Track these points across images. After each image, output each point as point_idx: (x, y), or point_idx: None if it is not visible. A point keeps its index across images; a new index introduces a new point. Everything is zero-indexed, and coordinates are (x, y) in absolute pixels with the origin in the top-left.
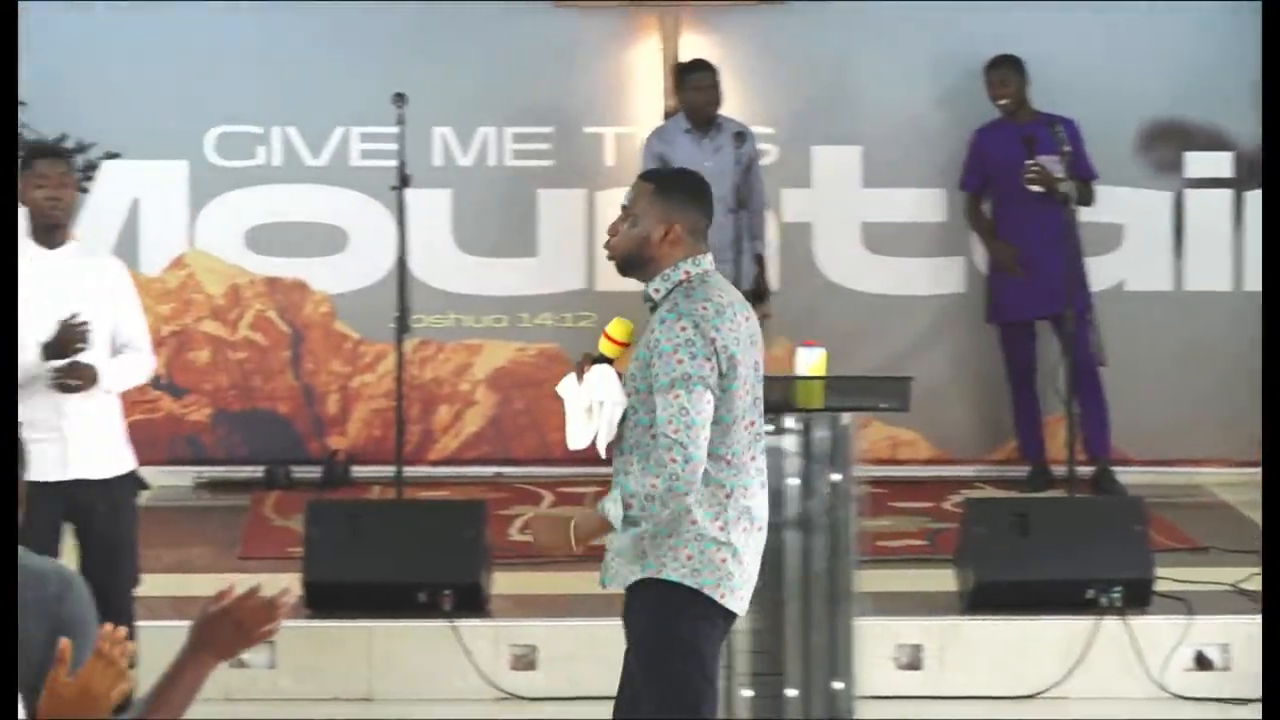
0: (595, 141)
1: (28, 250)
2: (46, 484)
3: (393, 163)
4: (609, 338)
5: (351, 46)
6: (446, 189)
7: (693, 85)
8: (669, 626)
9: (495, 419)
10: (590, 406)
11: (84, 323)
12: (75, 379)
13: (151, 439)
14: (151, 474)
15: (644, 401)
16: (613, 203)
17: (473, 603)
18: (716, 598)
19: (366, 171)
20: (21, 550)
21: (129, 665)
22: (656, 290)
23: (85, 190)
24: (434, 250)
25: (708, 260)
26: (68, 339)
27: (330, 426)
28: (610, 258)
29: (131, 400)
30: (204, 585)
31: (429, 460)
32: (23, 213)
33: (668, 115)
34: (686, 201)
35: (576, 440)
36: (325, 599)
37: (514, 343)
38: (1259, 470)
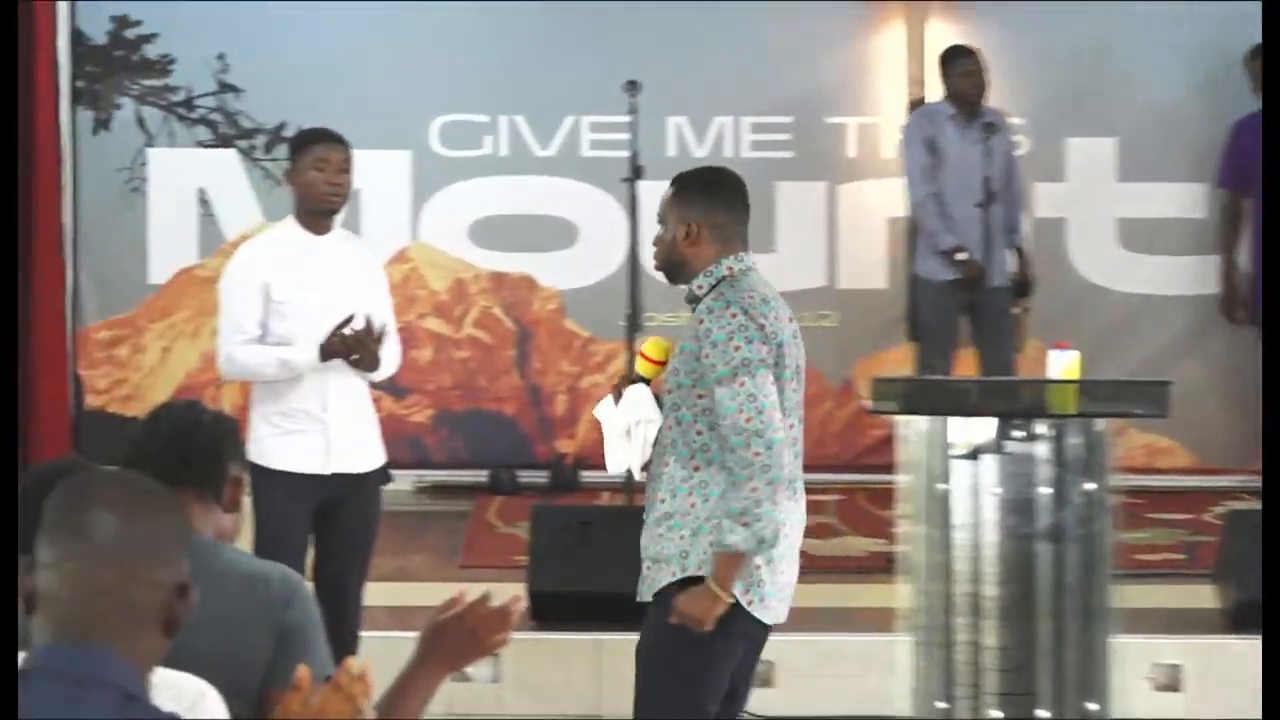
0: (837, 132)
1: (293, 235)
2: (305, 475)
3: (625, 153)
4: (645, 357)
5: (582, 32)
6: None
7: (960, 71)
8: (689, 635)
9: None
10: (629, 429)
11: (354, 331)
12: (365, 365)
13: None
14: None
15: (685, 397)
16: (855, 196)
17: None
18: (745, 604)
19: (597, 162)
20: (241, 552)
21: (366, 698)
22: (700, 286)
23: None
24: None
25: (750, 258)
26: (343, 347)
27: (558, 429)
28: (656, 267)
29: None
30: (424, 595)
31: None
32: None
33: (912, 106)
34: (707, 200)
35: (616, 464)
36: (551, 610)
37: None
38: None
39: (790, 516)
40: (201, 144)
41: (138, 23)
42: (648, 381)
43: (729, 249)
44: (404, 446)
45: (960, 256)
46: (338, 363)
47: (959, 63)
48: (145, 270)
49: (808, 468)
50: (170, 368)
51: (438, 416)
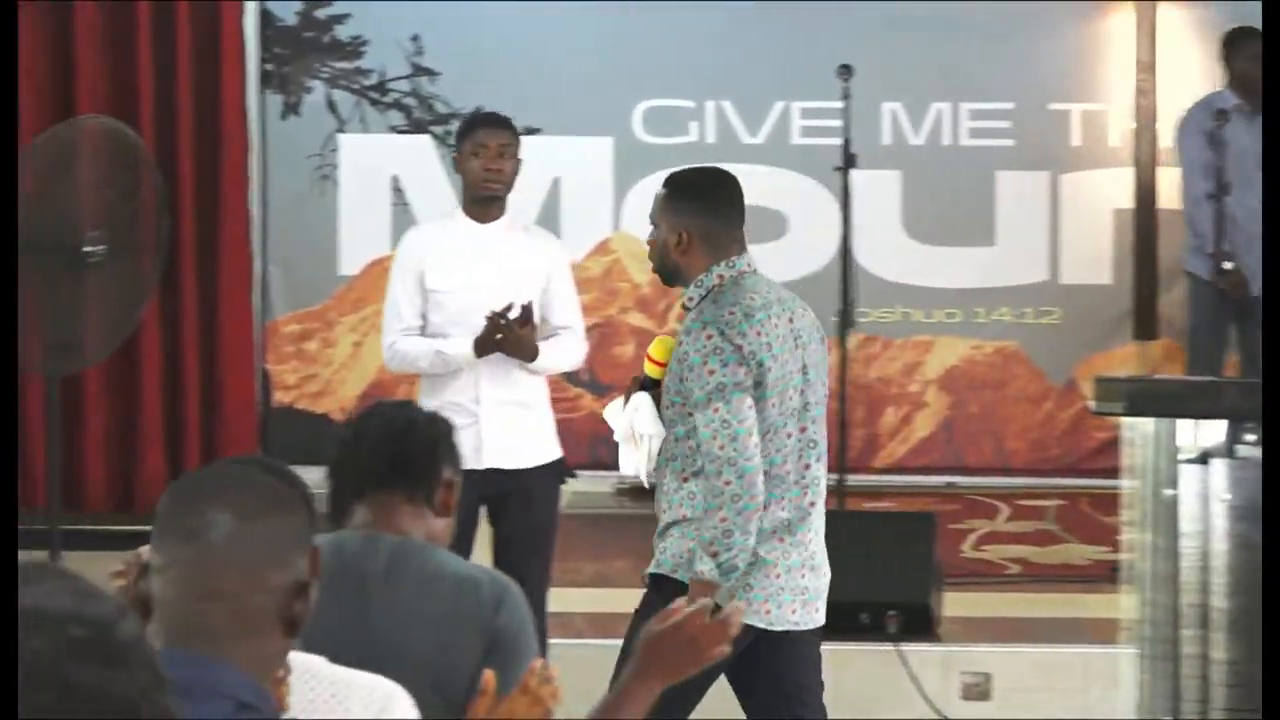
0: (1060, 120)
1: (457, 223)
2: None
3: (837, 141)
4: (650, 359)
5: (794, 13)
6: (895, 170)
7: (1249, 55)
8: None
9: (947, 423)
10: (633, 435)
11: (506, 319)
12: (520, 354)
13: (572, 440)
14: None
15: (679, 413)
16: (1079, 186)
17: (920, 625)
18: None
19: (808, 150)
20: (453, 556)
21: (554, 700)
22: (690, 298)
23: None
24: (881, 237)
25: (744, 261)
26: (492, 338)
27: None
28: (653, 270)
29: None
30: (625, 601)
31: (874, 467)
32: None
33: (1140, 94)
34: (698, 206)
35: (625, 466)
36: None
37: (969, 339)
38: None
39: (793, 524)
40: (395, 129)
41: (329, 3)
42: (657, 384)
43: (722, 255)
44: (605, 446)
45: (1226, 266)
46: (495, 355)
47: (1247, 46)
48: (335, 261)
49: (1025, 471)
50: (362, 362)
51: None
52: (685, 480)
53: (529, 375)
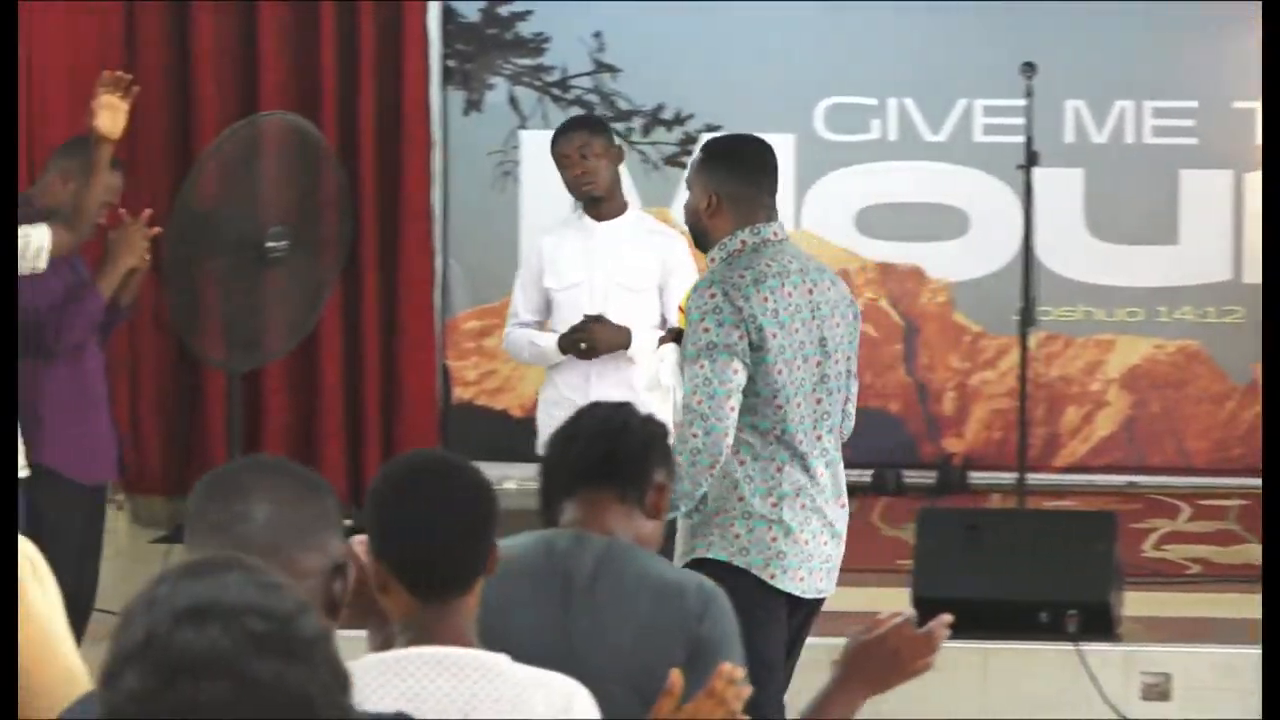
0: (1245, 118)
1: (577, 221)
2: None
3: (1019, 139)
4: (682, 310)
5: (977, 10)
6: (1078, 168)
7: None
8: None
9: (1129, 422)
10: (659, 384)
11: (590, 337)
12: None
13: None
14: None
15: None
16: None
17: (1100, 624)
18: (765, 578)
19: (990, 148)
20: (660, 560)
21: (738, 703)
22: (712, 259)
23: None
24: (1063, 235)
25: (770, 229)
26: (570, 341)
27: (946, 428)
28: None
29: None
30: None
31: (1054, 467)
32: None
33: None
34: (729, 171)
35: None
36: (936, 616)
37: (1151, 339)
38: None
39: (808, 490)
40: None
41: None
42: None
43: (749, 220)
44: None
45: None
46: (608, 356)
47: None
48: (517, 257)
49: (1207, 471)
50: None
51: None
52: None
53: (640, 371)
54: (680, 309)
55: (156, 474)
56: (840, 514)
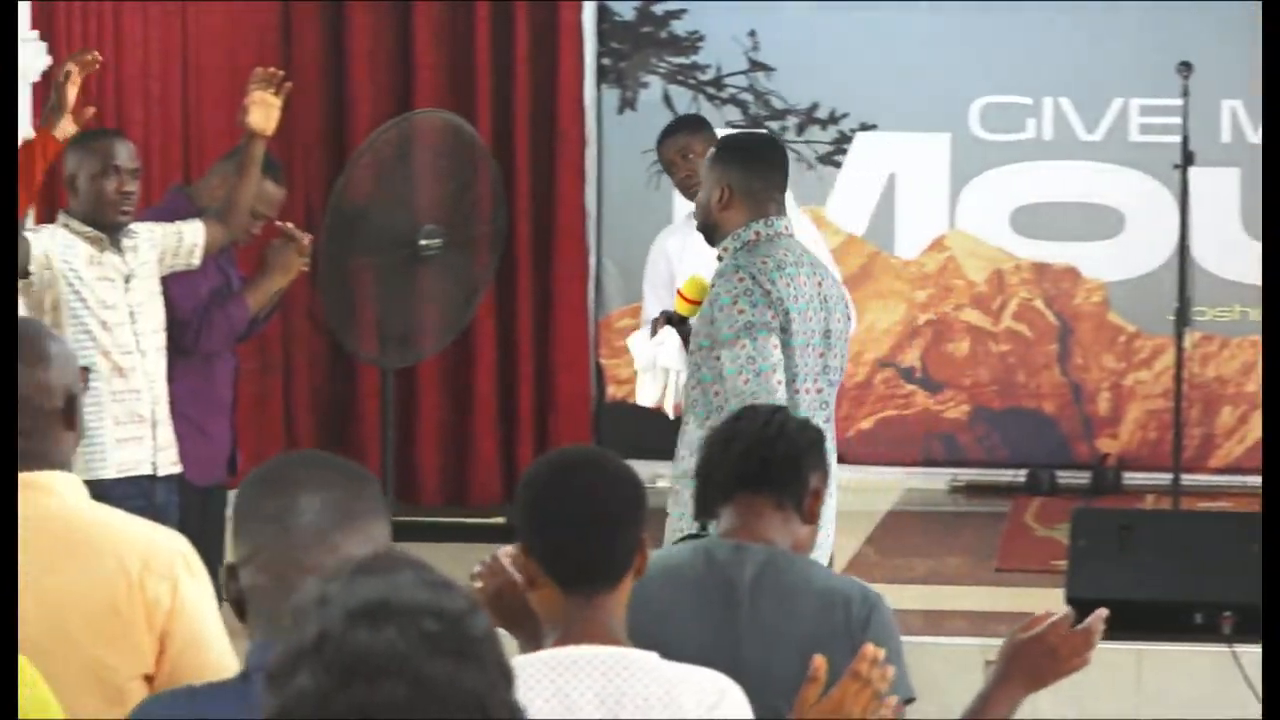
0: None
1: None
2: None
3: (1175, 138)
4: (682, 295)
5: (1133, 11)
6: (1234, 168)
7: None
8: None
9: None
10: (655, 365)
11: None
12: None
13: (904, 437)
14: (903, 475)
15: (705, 358)
16: None
17: (1256, 627)
18: None
19: (1146, 147)
20: (819, 566)
21: (884, 685)
22: (725, 249)
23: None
24: (1219, 235)
25: (782, 222)
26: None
27: (1100, 428)
28: (697, 228)
29: (882, 396)
30: (958, 599)
31: (1209, 468)
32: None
33: None
34: (743, 165)
35: (643, 397)
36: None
37: None
38: None
39: None
40: (731, 124)
41: None
42: (685, 320)
43: (761, 213)
44: (939, 443)
45: None
46: None
47: None
48: None
49: None
50: None
51: (974, 413)
52: (705, 425)
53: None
54: (680, 294)
55: None
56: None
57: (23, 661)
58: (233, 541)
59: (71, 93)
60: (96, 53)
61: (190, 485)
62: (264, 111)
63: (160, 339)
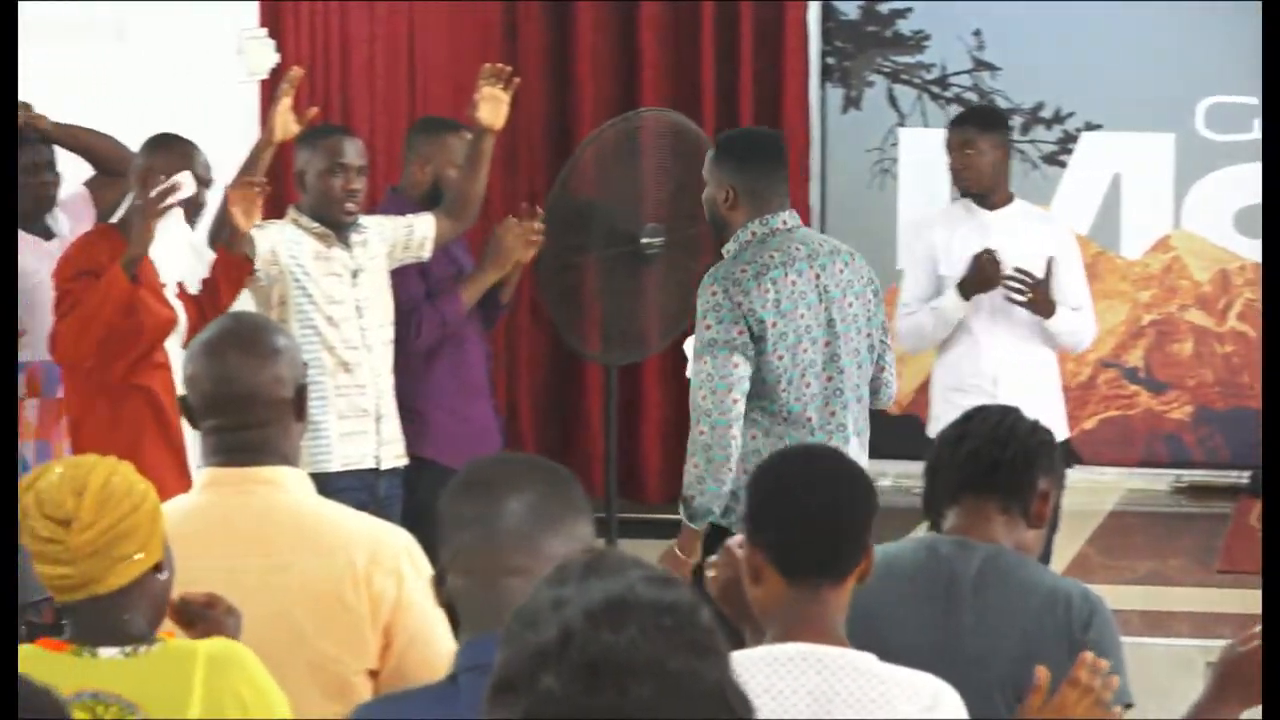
0: None
1: (969, 211)
2: None
3: None
4: None
5: None
6: None
7: None
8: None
9: None
10: None
11: (990, 267)
12: (1031, 300)
13: (1126, 437)
14: (1126, 476)
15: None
16: None
17: None
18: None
19: None
20: (1042, 568)
21: (1108, 693)
22: (727, 251)
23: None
24: None
25: (779, 218)
26: (985, 276)
27: None
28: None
29: (1105, 396)
30: (1179, 600)
31: None
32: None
33: None
34: (742, 164)
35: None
36: None
37: None
38: None
39: None
40: None
41: None
42: None
43: (762, 211)
44: (1161, 444)
45: None
46: (1009, 338)
47: None
48: (894, 255)
49: None
50: (920, 358)
51: (1198, 414)
52: (696, 428)
53: (1040, 359)
54: None
55: None
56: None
57: (247, 652)
58: (441, 541)
59: (286, 102)
60: (299, 69)
61: (451, 472)
62: (493, 106)
63: (387, 333)
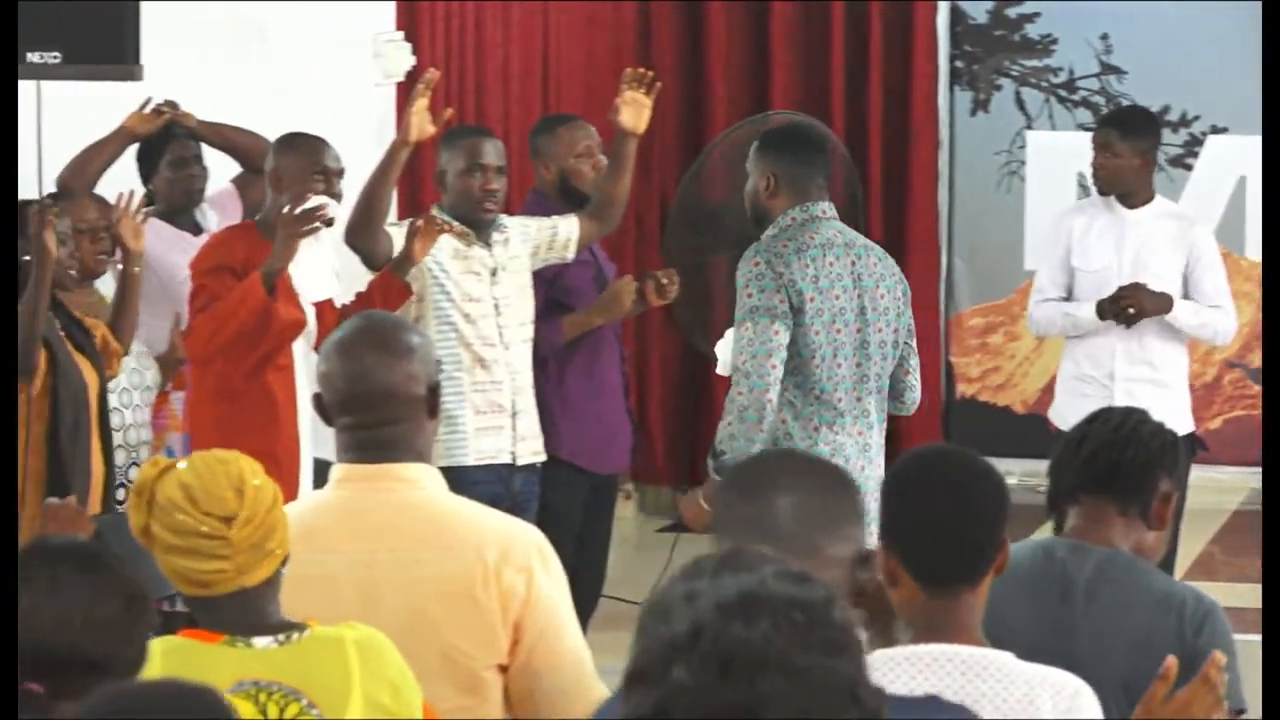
0: None
1: (1109, 207)
2: None
3: None
4: None
5: None
6: None
7: None
8: None
9: None
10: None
11: (1136, 300)
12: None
13: (1250, 437)
14: (1250, 475)
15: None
16: None
17: None
18: None
19: None
20: (1158, 573)
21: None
22: (766, 235)
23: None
24: None
25: (819, 208)
26: (1118, 310)
27: None
28: (749, 218)
29: (1230, 396)
30: None
31: None
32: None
33: None
34: (781, 154)
35: (721, 368)
36: None
37: None
38: None
39: (843, 451)
40: (1082, 127)
41: (1019, 2)
42: None
43: (802, 199)
44: None
45: None
46: (1134, 333)
47: None
48: (1021, 256)
49: None
50: (1045, 357)
51: None
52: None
53: (1166, 355)
54: None
55: (663, 466)
56: (876, 473)
57: (386, 639)
58: (714, 534)
59: (421, 103)
60: (436, 71)
61: (584, 474)
62: (635, 111)
63: (526, 331)
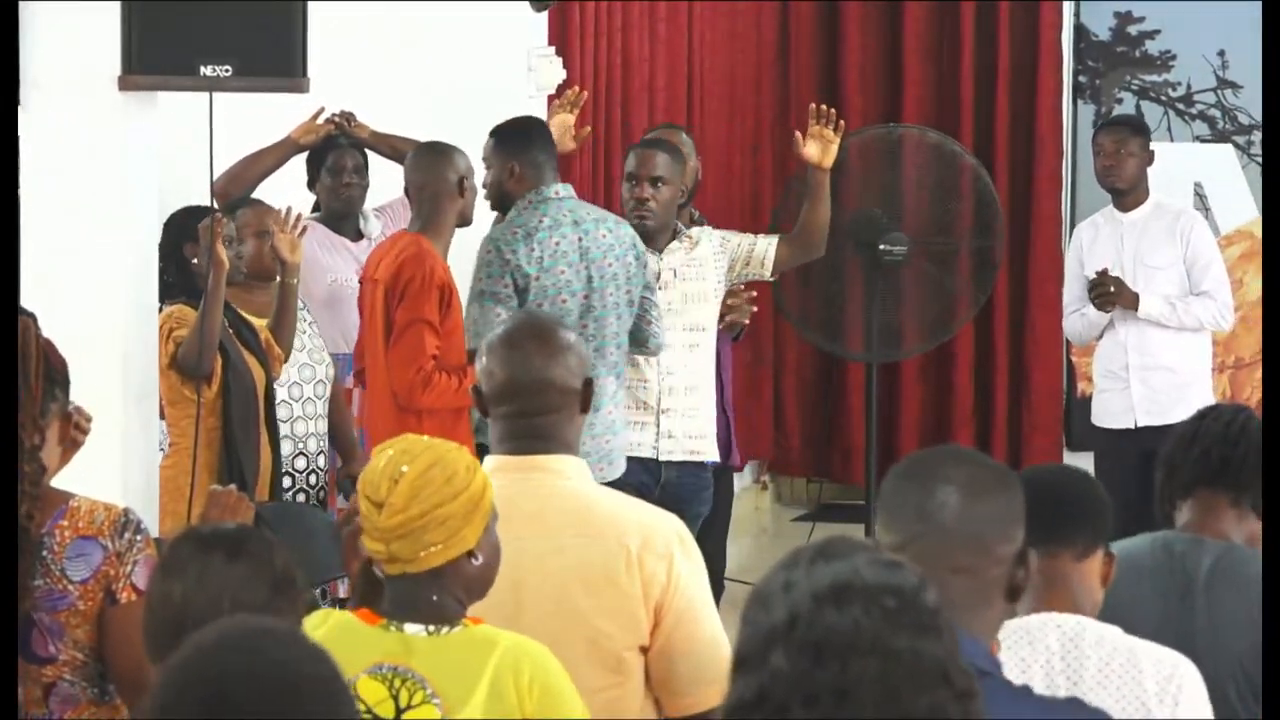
0: None
1: (1110, 213)
2: (1115, 431)
3: None
4: None
5: None
6: None
7: None
8: None
9: None
10: None
11: (1103, 287)
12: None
13: None
14: None
15: None
16: None
17: None
18: None
19: None
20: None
21: None
22: (508, 218)
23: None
24: None
25: (553, 189)
26: (1099, 293)
27: None
28: (490, 205)
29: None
30: None
31: None
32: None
33: None
34: (525, 144)
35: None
36: None
37: None
38: None
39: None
40: (1199, 139)
41: (1140, 19)
42: None
43: (539, 183)
44: None
45: None
46: (1146, 328)
47: None
48: None
49: None
50: None
51: None
52: None
53: (1175, 341)
54: None
55: (798, 458)
56: (621, 414)
57: (546, 653)
58: (878, 525)
59: (563, 118)
60: (581, 90)
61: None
62: (822, 146)
63: (693, 337)
